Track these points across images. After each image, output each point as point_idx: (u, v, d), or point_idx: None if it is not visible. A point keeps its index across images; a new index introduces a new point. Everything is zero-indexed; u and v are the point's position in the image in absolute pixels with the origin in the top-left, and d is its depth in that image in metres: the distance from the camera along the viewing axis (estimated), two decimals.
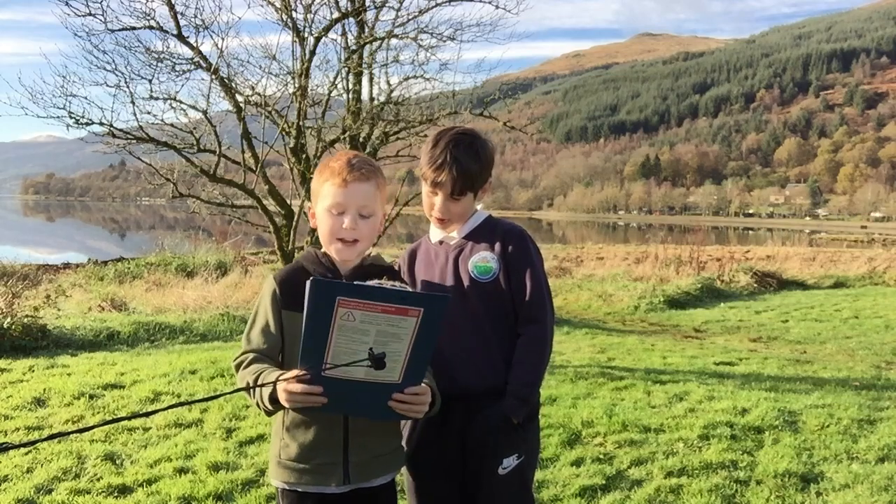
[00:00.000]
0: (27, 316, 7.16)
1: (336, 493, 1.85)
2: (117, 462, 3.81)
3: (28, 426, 4.37)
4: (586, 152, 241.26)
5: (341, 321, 1.59)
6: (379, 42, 6.81)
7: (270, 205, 6.62)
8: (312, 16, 6.44)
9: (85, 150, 9.88)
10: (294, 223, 6.43)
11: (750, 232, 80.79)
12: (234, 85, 6.50)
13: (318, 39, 6.52)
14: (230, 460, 3.84)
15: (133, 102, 6.19)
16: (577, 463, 3.85)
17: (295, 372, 1.65)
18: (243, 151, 6.51)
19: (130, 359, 6.40)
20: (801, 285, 14.54)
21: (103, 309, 9.36)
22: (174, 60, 6.48)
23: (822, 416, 4.64)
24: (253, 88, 6.63)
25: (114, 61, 6.27)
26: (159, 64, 6.40)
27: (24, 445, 1.17)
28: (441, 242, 2.15)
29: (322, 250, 1.98)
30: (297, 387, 1.64)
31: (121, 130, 6.23)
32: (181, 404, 1.47)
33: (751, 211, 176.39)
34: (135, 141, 6.31)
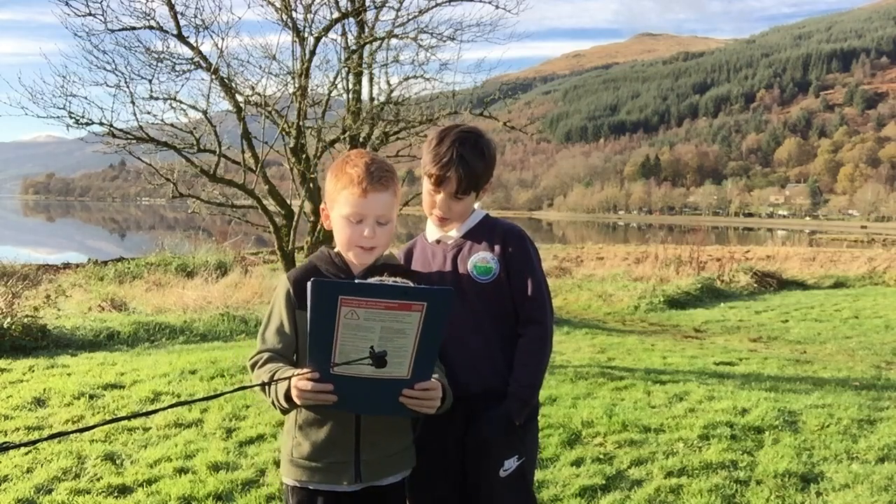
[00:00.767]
0: (27, 316, 7.17)
1: (347, 492, 1.87)
2: (117, 462, 3.81)
3: (28, 426, 4.37)
4: (586, 152, 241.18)
5: (346, 320, 1.60)
6: (379, 42, 6.81)
7: (270, 205, 6.62)
8: (312, 16, 6.45)
9: (85, 150, 9.89)
10: (294, 223, 6.43)
11: (750, 232, 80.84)
12: (234, 85, 6.50)
13: (318, 39, 6.52)
14: (230, 460, 3.84)
15: (133, 102, 6.19)
16: (577, 463, 3.85)
17: (305, 371, 1.67)
18: (243, 151, 6.51)
19: (130, 359, 6.40)
20: (801, 285, 14.54)
21: (103, 309, 9.36)
22: (174, 60, 6.48)
23: (822, 416, 4.64)
24: (253, 88, 6.63)
25: (114, 61, 6.28)
26: (159, 64, 6.40)
27: (25, 445, 1.17)
28: (438, 241, 2.13)
29: (336, 250, 1.99)
30: (308, 385, 1.66)
31: (121, 130, 6.23)
32: (181, 403, 1.47)
33: (751, 211, 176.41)
34: (135, 141, 6.31)
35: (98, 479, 3.57)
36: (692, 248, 16.54)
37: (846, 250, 28.00)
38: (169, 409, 4.38)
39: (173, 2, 6.15)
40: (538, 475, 3.56)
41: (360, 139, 6.71)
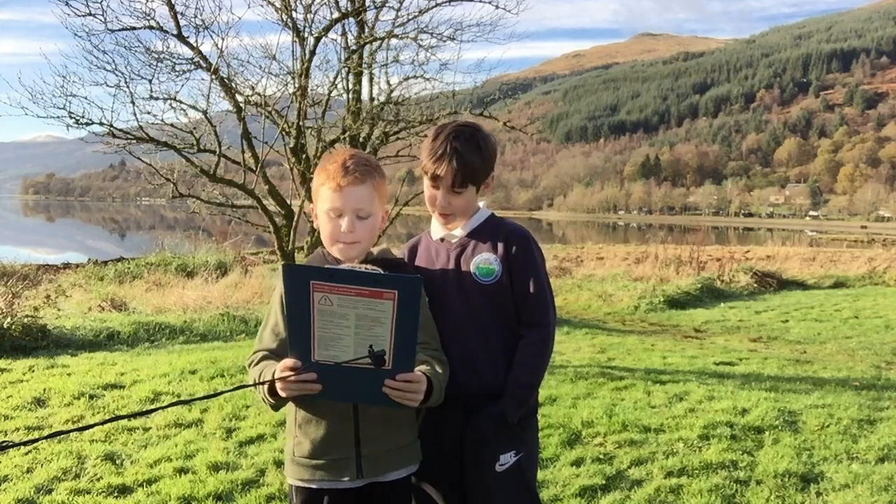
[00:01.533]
0: (27, 316, 7.17)
1: (350, 489, 1.87)
2: (117, 462, 3.81)
3: (28, 426, 4.37)
4: (586, 152, 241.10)
5: (320, 306, 1.62)
6: (379, 42, 6.81)
7: (270, 205, 6.63)
8: (312, 16, 6.45)
9: (85, 150, 9.89)
10: (294, 223, 6.43)
11: (750, 232, 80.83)
12: (234, 85, 6.50)
13: (318, 39, 6.52)
14: (230, 460, 3.84)
15: (133, 102, 6.20)
16: (577, 463, 3.85)
17: (286, 361, 1.68)
18: (243, 151, 6.51)
19: (130, 359, 6.40)
20: (801, 285, 14.54)
21: (103, 309, 9.36)
22: (174, 60, 6.48)
23: (822, 416, 4.64)
24: (253, 88, 6.64)
25: (114, 61, 6.29)
26: (159, 64, 6.41)
27: (25, 444, 1.17)
28: (442, 240, 2.14)
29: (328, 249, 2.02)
30: (290, 374, 1.67)
31: (121, 130, 6.23)
32: (181, 402, 1.47)
33: (751, 211, 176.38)
34: (135, 141, 6.31)
35: (98, 479, 3.57)
36: (692, 248, 16.55)
37: (846, 250, 28.00)
38: (169, 409, 4.38)
39: (173, 2, 6.16)
40: (538, 475, 3.55)
41: (360, 139, 6.71)
